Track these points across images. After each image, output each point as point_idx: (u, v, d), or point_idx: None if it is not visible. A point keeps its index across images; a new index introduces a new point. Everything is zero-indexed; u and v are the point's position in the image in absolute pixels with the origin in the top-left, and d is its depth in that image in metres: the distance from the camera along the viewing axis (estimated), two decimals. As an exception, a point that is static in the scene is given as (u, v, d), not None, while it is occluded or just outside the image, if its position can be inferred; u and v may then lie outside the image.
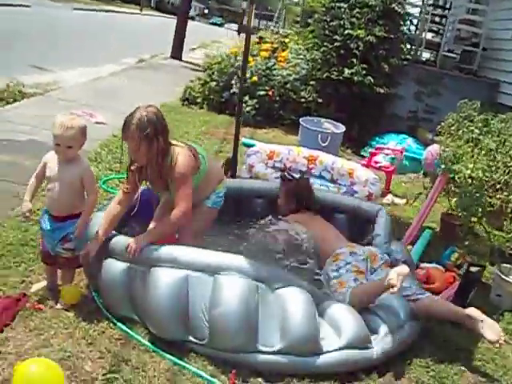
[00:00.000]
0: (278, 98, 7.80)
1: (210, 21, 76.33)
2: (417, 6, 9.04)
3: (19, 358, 2.25)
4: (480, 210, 4.45)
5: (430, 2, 9.59)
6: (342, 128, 6.84)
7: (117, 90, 9.12)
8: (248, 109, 7.69)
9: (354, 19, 7.35)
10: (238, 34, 46.14)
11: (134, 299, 2.64)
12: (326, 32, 7.60)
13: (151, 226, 3.07)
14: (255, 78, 7.88)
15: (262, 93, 7.80)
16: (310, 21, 8.27)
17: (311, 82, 7.82)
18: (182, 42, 16.10)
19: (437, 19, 9.56)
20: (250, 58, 8.24)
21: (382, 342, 2.66)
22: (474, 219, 4.58)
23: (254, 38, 10.40)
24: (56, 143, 2.67)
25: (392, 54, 7.61)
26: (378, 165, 6.01)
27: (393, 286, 2.64)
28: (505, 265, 3.91)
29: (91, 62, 11.65)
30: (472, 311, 2.91)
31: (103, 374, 2.28)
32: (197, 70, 14.21)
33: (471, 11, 9.76)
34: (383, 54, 7.45)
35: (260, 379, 2.45)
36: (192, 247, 2.66)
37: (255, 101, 7.74)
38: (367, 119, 7.87)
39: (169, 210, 2.89)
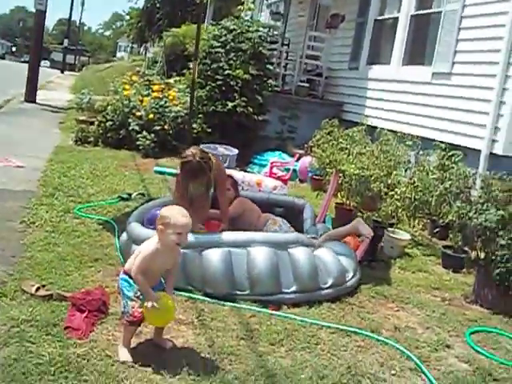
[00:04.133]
0: (171, 131, 9.06)
1: (22, 59, 73.29)
2: (274, 50, 10.92)
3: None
4: (365, 195, 6.27)
5: (285, 43, 11.56)
6: (235, 150, 8.36)
7: (5, 137, 9.50)
8: (147, 142, 8.90)
9: (231, 61, 8.99)
10: (62, 72, 45.99)
11: (189, 273, 3.86)
12: (209, 73, 9.14)
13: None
14: (151, 116, 9.12)
15: (157, 128, 9.04)
16: (190, 64, 9.68)
17: (199, 115, 9.25)
18: (36, 85, 16.53)
19: (285, 56, 11.56)
20: (144, 98, 9.49)
21: (353, 278, 4.21)
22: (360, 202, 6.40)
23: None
24: (179, 232, 2.98)
25: (262, 88, 9.32)
26: (277, 175, 7.59)
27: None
28: (389, 228, 5.78)
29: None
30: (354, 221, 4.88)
31: (197, 319, 3.51)
32: (56, 112, 14.86)
33: (311, 48, 11.94)
34: (257, 88, 9.15)
35: (285, 307, 3.86)
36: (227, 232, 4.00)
37: (153, 135, 8.95)
38: (245, 142, 9.42)
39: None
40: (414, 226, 6.44)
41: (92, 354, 2.98)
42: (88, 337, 3.13)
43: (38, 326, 3.16)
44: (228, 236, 4.03)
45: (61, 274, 3.96)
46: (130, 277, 3.02)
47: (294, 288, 3.91)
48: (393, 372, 3.27)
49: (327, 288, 4.06)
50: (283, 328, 3.53)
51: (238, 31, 9.46)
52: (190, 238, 3.89)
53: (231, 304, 3.76)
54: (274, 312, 3.73)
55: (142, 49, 27.87)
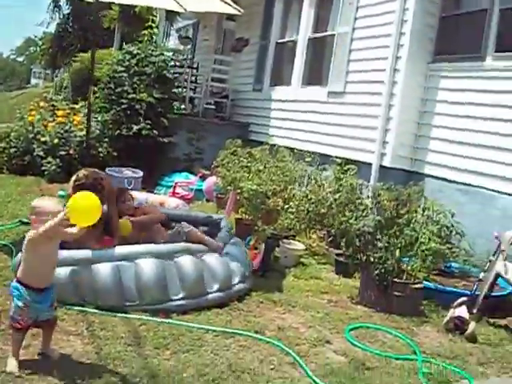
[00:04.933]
0: (77, 156, 9.09)
1: None
2: (181, 74, 11.18)
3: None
4: (260, 209, 6.58)
5: (188, 65, 11.86)
6: (140, 173, 8.52)
7: None
8: (52, 168, 8.90)
9: (135, 85, 9.17)
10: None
11: (81, 289, 3.99)
12: (113, 97, 9.28)
13: None
14: (56, 141, 9.12)
15: (62, 153, 9.05)
16: (95, 89, 9.75)
17: (105, 139, 9.34)
18: None
19: (193, 79, 11.86)
20: (48, 124, 9.48)
21: (241, 284, 4.48)
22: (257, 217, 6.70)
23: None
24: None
25: (167, 110, 9.55)
26: (180, 195, 7.80)
27: None
28: (285, 240, 6.09)
29: None
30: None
31: (87, 329, 3.64)
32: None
33: (217, 71, 12.30)
34: (161, 111, 9.37)
35: (175, 314, 4.05)
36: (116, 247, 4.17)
37: (58, 160, 8.96)
38: (153, 164, 9.57)
39: None
40: (310, 237, 6.81)
41: (-21, 367, 3.06)
42: (-26, 353, 3.21)
43: None
44: (116, 250, 4.20)
45: (-50, 297, 3.99)
46: (22, 284, 3.12)
47: (181, 295, 4.13)
48: (271, 367, 3.52)
49: (214, 292, 4.30)
50: (170, 333, 3.73)
51: (142, 55, 9.66)
52: (81, 253, 4.05)
53: (122, 315, 3.92)
54: (162, 320, 3.91)
55: (54, 75, 27.47)
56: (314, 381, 3.38)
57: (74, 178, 4.66)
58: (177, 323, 3.89)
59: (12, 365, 3.08)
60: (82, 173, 4.61)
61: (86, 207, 3.07)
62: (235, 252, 4.87)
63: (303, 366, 3.56)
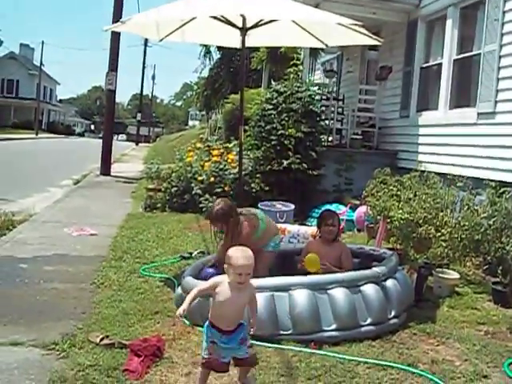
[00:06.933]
0: (231, 192, 9.59)
1: (100, 135, 77.56)
2: (327, 106, 11.43)
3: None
4: (412, 238, 6.48)
5: (334, 97, 12.08)
6: (291, 206, 8.76)
7: (81, 208, 10.49)
8: (210, 205, 9.42)
9: (283, 122, 9.54)
10: (136, 144, 48.45)
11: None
12: (263, 134, 9.71)
13: None
14: (212, 179, 9.72)
15: (218, 190, 9.60)
16: (246, 127, 10.27)
17: (257, 175, 9.77)
18: (110, 159, 17.71)
19: (339, 110, 12.04)
20: (205, 163, 10.14)
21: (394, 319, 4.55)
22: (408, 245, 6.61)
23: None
24: (239, 273, 3.19)
25: (316, 144, 9.78)
26: (330, 226, 7.90)
27: None
28: (438, 269, 5.94)
29: (38, 189, 13.10)
30: None
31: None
32: (129, 182, 15.82)
33: (363, 101, 12.38)
34: (310, 144, 9.62)
35: (326, 346, 4.14)
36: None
37: (214, 197, 9.48)
38: (303, 197, 9.79)
39: None
40: (464, 265, 6.56)
41: (146, 392, 3.38)
42: (143, 378, 3.55)
43: (101, 369, 3.60)
44: (271, 281, 4.41)
45: (123, 326, 4.42)
46: (212, 326, 3.29)
47: (333, 326, 4.23)
48: (425, 401, 3.48)
49: (366, 325, 4.33)
50: (322, 365, 3.81)
51: (288, 93, 10.00)
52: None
53: (275, 346, 4.08)
54: (313, 350, 4.02)
55: (209, 116, 29.13)
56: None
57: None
58: (329, 354, 3.97)
59: None
60: (217, 201, 5.23)
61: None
62: (401, 280, 4.90)
63: (459, 400, 3.47)
